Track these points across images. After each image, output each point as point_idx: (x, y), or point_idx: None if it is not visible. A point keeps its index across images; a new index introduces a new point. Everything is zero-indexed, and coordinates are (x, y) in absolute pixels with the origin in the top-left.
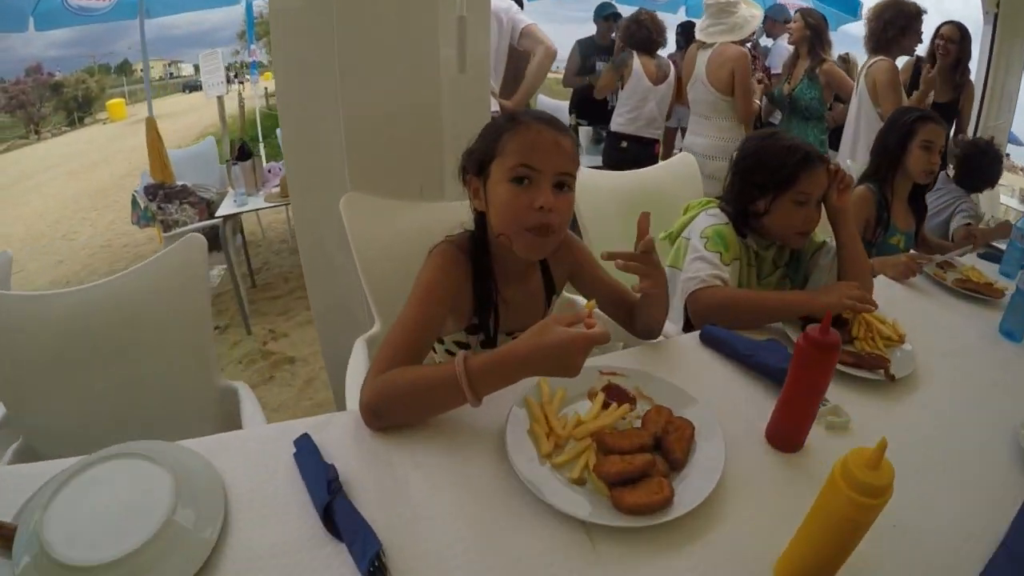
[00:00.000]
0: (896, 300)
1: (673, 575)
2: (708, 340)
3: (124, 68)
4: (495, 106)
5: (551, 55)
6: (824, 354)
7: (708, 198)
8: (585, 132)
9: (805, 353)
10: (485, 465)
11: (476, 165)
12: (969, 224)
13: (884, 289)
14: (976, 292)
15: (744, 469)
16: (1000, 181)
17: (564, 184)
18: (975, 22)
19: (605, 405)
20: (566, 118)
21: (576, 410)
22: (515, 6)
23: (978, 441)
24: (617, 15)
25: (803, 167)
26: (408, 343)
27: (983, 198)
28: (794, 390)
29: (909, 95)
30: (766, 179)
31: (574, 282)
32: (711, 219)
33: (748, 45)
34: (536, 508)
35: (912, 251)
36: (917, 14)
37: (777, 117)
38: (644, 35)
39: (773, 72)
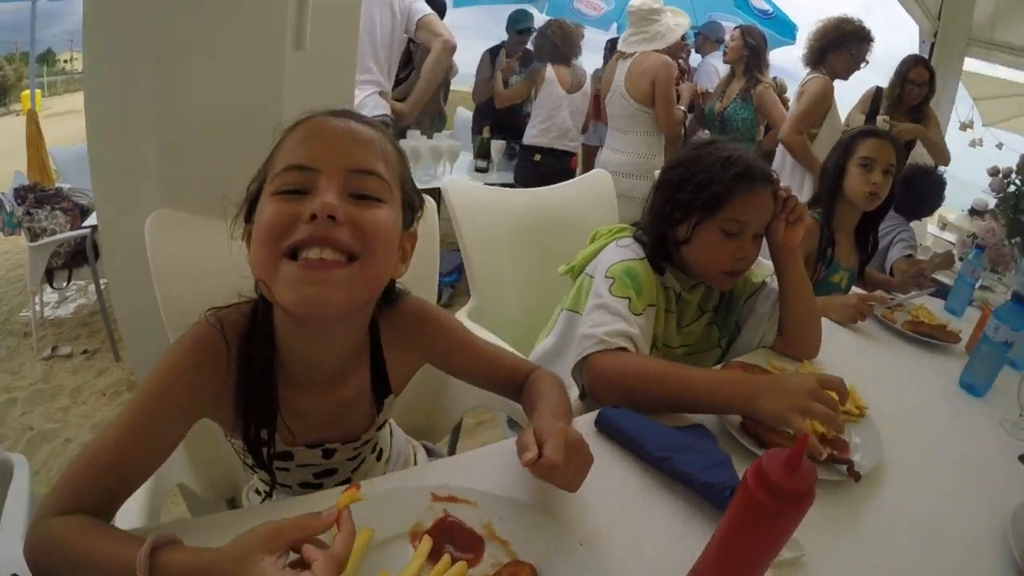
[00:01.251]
0: (843, 349)
1: None
2: (606, 428)
3: (47, 57)
4: (385, 109)
5: (449, 50)
6: (790, 507)
7: (621, 224)
8: (497, 146)
9: (756, 502)
10: None
11: (248, 205)
12: (910, 256)
13: (828, 335)
14: (930, 337)
15: None
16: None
17: (367, 195)
18: (907, 49)
19: (434, 554)
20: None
21: (385, 564)
22: None
23: (964, 549)
24: (531, 30)
25: (739, 185)
26: (102, 474)
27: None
28: (734, 546)
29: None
30: (691, 196)
31: (440, 367)
32: (621, 252)
33: (680, 60)
34: None
35: (855, 290)
36: (854, 34)
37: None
38: (550, 48)
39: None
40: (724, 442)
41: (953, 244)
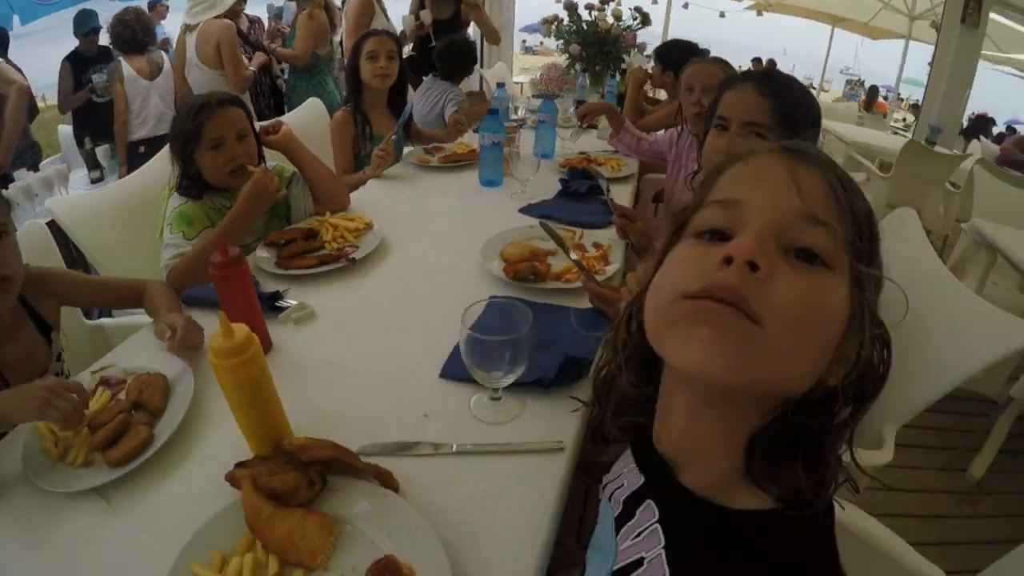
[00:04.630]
0: (381, 197)
1: (166, 500)
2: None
3: None
4: None
5: (25, 92)
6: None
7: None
8: (103, 151)
9: (215, 280)
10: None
11: None
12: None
13: (369, 191)
14: (461, 161)
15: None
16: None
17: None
18: None
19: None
20: None
21: None
22: None
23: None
24: (98, 29)
25: (204, 114)
26: None
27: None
28: (230, 308)
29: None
30: (183, 143)
31: (74, 304)
32: (175, 203)
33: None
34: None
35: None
36: None
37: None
38: (129, 35)
39: None
40: None
41: None
